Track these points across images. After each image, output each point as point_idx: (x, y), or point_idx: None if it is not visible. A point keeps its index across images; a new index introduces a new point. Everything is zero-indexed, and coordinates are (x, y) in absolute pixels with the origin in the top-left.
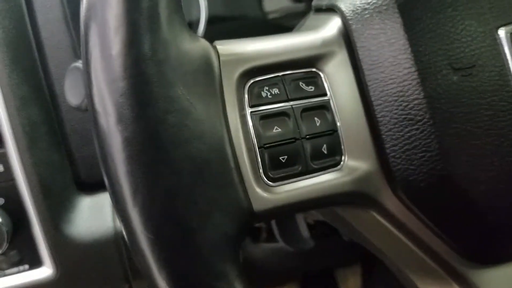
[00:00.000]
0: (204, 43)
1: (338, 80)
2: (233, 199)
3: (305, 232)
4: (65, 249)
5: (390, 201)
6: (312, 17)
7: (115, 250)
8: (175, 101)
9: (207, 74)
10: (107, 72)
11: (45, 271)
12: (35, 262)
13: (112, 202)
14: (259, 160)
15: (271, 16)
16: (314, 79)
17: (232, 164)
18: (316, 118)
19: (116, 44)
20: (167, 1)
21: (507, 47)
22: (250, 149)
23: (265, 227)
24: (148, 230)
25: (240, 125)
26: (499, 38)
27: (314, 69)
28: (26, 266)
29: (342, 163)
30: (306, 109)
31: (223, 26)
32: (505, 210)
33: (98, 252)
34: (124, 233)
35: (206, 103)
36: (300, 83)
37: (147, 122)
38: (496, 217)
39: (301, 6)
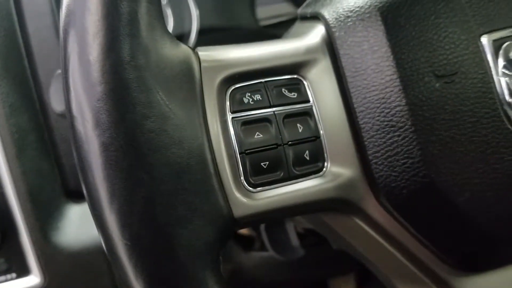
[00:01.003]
0: (185, 49)
1: (321, 87)
2: (212, 205)
3: (294, 240)
4: (53, 257)
5: (373, 208)
6: (297, 25)
7: (103, 258)
8: (154, 106)
9: (187, 80)
10: (85, 77)
11: (33, 280)
12: (23, 270)
13: (90, 208)
14: (240, 166)
15: (264, 25)
16: (297, 86)
17: (211, 170)
18: (298, 125)
19: (94, 49)
20: (147, 7)
21: (490, 54)
22: (231, 155)
23: (257, 236)
24: (125, 237)
25: (221, 131)
26: (482, 46)
27: (297, 76)
28: (14, 275)
29: (324, 169)
30: (288, 116)
31: (215, 36)
32: (489, 217)
33: (86, 261)
34: (101, 240)
35: (186, 109)
36: (283, 89)
37: (125, 127)
38: (480, 225)
39: (295, 13)
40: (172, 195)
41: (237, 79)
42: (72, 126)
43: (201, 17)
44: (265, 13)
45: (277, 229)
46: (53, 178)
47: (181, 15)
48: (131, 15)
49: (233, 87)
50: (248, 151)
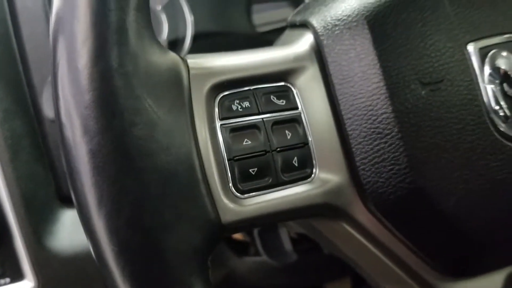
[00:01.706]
0: (174, 56)
1: (309, 94)
2: (200, 211)
3: (288, 245)
4: (47, 262)
5: (361, 214)
6: (287, 33)
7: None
8: (142, 113)
9: (175, 87)
10: (73, 85)
11: (27, 285)
12: (16, 275)
13: (78, 214)
14: (229, 172)
15: (260, 31)
16: (285, 93)
17: (199, 176)
18: (287, 131)
19: (83, 56)
20: (135, 15)
21: (476, 62)
22: (219, 161)
23: (251, 241)
24: (113, 242)
25: (209, 137)
26: (468, 53)
27: (286, 83)
28: (8, 280)
29: (313, 175)
30: (277, 122)
31: (210, 42)
32: (475, 223)
33: (80, 266)
34: (89, 245)
35: (174, 116)
36: (272, 96)
37: (113, 134)
38: (466, 230)
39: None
40: (160, 201)
41: (226, 86)
42: (61, 132)
43: (197, 22)
44: (262, 19)
45: (270, 234)
46: (47, 183)
47: (176, 20)
48: (119, 23)
49: (222, 94)
50: (237, 157)
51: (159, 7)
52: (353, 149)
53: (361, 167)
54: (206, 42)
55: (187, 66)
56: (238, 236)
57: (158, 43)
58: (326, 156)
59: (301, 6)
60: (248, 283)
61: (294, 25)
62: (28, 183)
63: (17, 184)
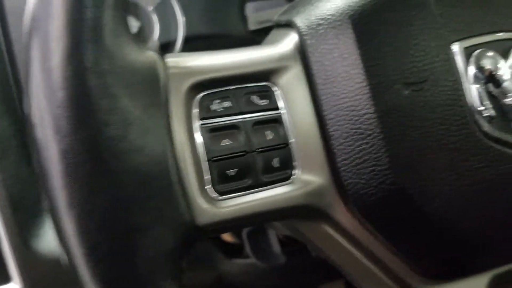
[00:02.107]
0: (152, 55)
1: (292, 94)
2: (174, 213)
3: (276, 247)
4: (34, 265)
5: (343, 215)
6: (273, 32)
7: None
8: (117, 112)
9: (152, 86)
10: (45, 84)
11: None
12: (3, 278)
13: (50, 216)
14: (207, 173)
15: (252, 29)
16: (267, 93)
17: (174, 177)
18: (268, 132)
19: (56, 54)
20: (111, 14)
21: (460, 61)
22: (197, 162)
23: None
24: (83, 245)
25: (187, 137)
26: (453, 53)
27: (268, 83)
28: None
29: (294, 176)
30: (258, 123)
31: (204, 44)
32: (459, 225)
33: (67, 268)
34: (62, 248)
35: (150, 116)
36: (253, 96)
37: (85, 134)
38: (450, 233)
39: None
40: (132, 203)
41: (206, 85)
42: (33, 133)
43: (190, 24)
44: (260, 17)
45: (258, 236)
46: (34, 185)
47: (169, 21)
48: (95, 21)
49: (202, 94)
50: (216, 158)
51: (150, 8)
52: (335, 150)
53: (343, 168)
54: (199, 44)
55: (166, 65)
56: (228, 238)
57: (135, 41)
58: (308, 157)
59: (288, 5)
60: (238, 286)
61: (279, 25)
62: (15, 184)
63: (3, 185)
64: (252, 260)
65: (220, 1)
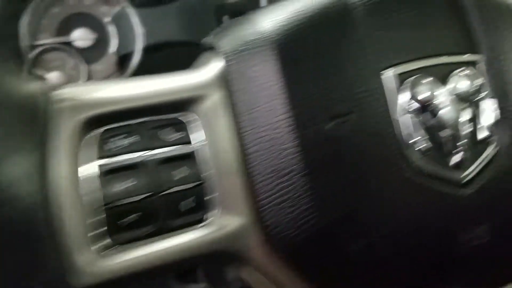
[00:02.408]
0: (34, 88)
1: (214, 125)
2: (42, 271)
3: (230, 274)
4: None
5: (265, 258)
6: (201, 56)
7: None
8: None
9: (29, 124)
10: None
11: None
12: None
13: None
14: (98, 222)
15: None
16: (180, 125)
17: (52, 230)
18: (178, 170)
19: None
20: None
21: (392, 90)
22: (83, 211)
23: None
24: None
25: (72, 182)
26: (383, 81)
27: (185, 113)
28: None
29: (208, 219)
30: (166, 160)
31: (179, 52)
32: (389, 266)
33: None
34: None
35: (22, 160)
36: (162, 130)
37: None
38: (374, 274)
39: None
40: None
41: (107, 120)
42: None
43: (166, 31)
44: None
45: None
46: None
47: (127, 33)
48: None
49: (99, 130)
50: (111, 204)
51: (107, 19)
52: (257, 187)
53: (265, 207)
54: (174, 51)
55: (51, 99)
56: None
57: (15, 73)
58: (226, 195)
59: (218, 27)
60: None
61: (206, 48)
62: None
63: None
64: (205, 285)
65: (197, 8)
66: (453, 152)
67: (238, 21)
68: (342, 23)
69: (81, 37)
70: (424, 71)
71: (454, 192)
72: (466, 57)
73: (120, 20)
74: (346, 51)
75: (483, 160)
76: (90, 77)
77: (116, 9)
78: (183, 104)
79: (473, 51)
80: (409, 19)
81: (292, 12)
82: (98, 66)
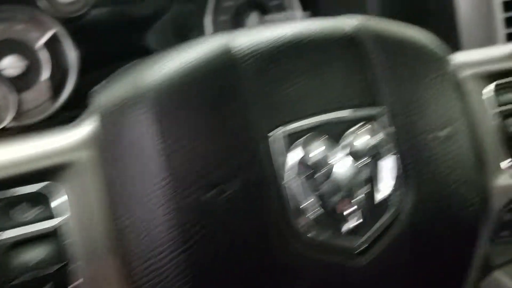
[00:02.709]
0: None
1: (78, 196)
2: None
3: None
4: None
5: None
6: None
7: None
8: None
9: None
10: None
11: None
12: None
13: None
14: None
15: None
16: (39, 198)
17: None
18: (35, 252)
19: None
20: None
21: (279, 153)
22: None
23: None
24: None
25: None
26: (269, 143)
27: (46, 184)
28: None
29: None
30: (20, 242)
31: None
32: None
33: None
34: None
35: None
36: (16, 207)
37: None
38: None
39: None
40: None
41: None
42: None
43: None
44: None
45: None
46: None
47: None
48: None
49: None
50: None
51: (38, 44)
52: (131, 267)
53: None
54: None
55: None
56: None
57: None
58: (94, 281)
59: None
60: None
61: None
62: None
63: None
64: None
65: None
66: (346, 218)
67: (124, 72)
68: (226, 78)
69: (10, 65)
70: (318, 129)
71: (347, 263)
72: (366, 111)
73: (53, 45)
74: (229, 110)
75: (380, 226)
76: (20, 107)
77: (49, 34)
78: (44, 174)
79: (375, 103)
80: (303, 71)
81: (177, 65)
82: (29, 95)
